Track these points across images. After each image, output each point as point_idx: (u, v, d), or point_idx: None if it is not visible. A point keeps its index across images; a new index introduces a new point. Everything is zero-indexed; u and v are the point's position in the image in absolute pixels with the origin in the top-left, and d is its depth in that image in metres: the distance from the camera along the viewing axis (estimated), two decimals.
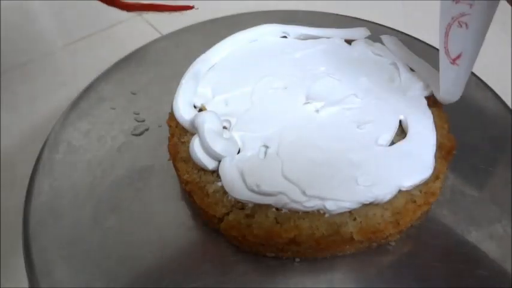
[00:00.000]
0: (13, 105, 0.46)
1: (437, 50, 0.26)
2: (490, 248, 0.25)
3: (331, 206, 0.23)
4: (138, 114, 0.32)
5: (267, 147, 0.26)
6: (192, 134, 0.26)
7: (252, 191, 0.24)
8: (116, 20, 0.57)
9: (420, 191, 0.25)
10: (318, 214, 0.24)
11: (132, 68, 0.36)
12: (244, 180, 0.24)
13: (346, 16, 0.41)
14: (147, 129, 0.31)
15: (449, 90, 0.27)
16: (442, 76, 0.27)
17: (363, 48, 0.32)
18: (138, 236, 0.25)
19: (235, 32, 0.33)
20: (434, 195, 0.25)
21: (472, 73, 0.26)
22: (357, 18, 0.40)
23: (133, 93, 0.34)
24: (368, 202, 0.24)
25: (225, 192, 0.24)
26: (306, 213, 0.24)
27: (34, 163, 0.29)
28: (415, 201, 0.24)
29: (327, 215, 0.24)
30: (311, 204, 0.23)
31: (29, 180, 0.28)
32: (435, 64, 0.27)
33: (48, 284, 0.24)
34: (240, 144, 0.26)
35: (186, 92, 0.29)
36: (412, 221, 0.24)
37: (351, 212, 0.24)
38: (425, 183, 0.25)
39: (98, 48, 0.53)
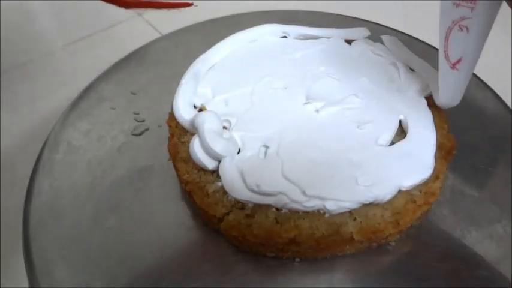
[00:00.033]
0: (13, 105, 0.46)
1: (437, 50, 0.26)
2: (490, 248, 0.25)
3: (331, 206, 0.23)
4: (138, 114, 0.32)
5: (267, 147, 0.26)
6: (192, 134, 0.26)
7: (252, 191, 0.24)
8: (116, 20, 0.57)
9: (420, 191, 0.25)
10: (318, 214, 0.24)
11: (132, 68, 0.36)
12: (244, 180, 0.24)
13: (346, 16, 0.41)
14: (147, 129, 0.31)
15: (449, 95, 0.27)
16: (442, 81, 0.27)
17: (363, 48, 0.32)
18: (138, 236, 0.25)
19: (235, 32, 0.33)
20: (434, 195, 0.25)
21: (472, 73, 0.26)
22: (357, 18, 0.40)
23: (133, 93, 0.34)
24: (368, 202, 0.24)
25: (225, 192, 0.24)
26: (306, 213, 0.24)
27: (34, 163, 0.29)
28: (415, 201, 0.24)
29: (327, 215, 0.24)
30: (311, 204, 0.23)
31: (29, 180, 0.28)
32: (435, 64, 0.27)
33: (48, 284, 0.24)
34: (240, 144, 0.26)
35: (186, 92, 0.29)
36: (412, 221, 0.24)
37: (351, 212, 0.24)
38: (425, 183, 0.25)
39: (98, 48, 0.53)
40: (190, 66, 0.31)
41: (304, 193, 0.23)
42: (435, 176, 0.25)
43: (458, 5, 0.23)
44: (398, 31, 0.39)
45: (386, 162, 0.25)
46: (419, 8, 0.54)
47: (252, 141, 0.26)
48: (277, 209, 0.24)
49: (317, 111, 0.28)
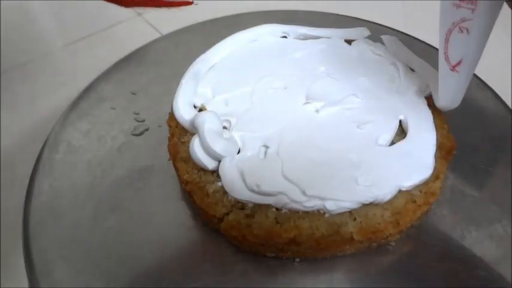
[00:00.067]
0: (13, 105, 0.46)
1: (437, 50, 0.26)
2: (489, 248, 0.25)
3: (331, 206, 0.23)
4: (138, 114, 0.32)
5: (267, 147, 0.26)
6: (192, 134, 0.26)
7: (252, 191, 0.24)
8: (116, 20, 0.57)
9: (420, 191, 0.25)
10: (318, 214, 0.24)
11: (132, 68, 0.36)
12: (244, 180, 0.24)
13: (346, 16, 0.41)
14: (147, 129, 0.31)
15: (449, 97, 0.27)
16: (442, 83, 0.26)
17: (363, 48, 0.32)
18: (138, 236, 0.25)
19: (235, 32, 0.33)
20: (434, 195, 0.25)
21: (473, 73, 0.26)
22: (357, 18, 0.40)
23: (133, 93, 0.34)
24: (368, 202, 0.24)
25: (225, 192, 0.24)
26: (306, 213, 0.24)
27: (34, 163, 0.29)
28: (415, 201, 0.24)
29: (327, 215, 0.24)
30: (311, 204, 0.23)
31: (29, 180, 0.28)
32: (435, 64, 0.27)
33: (48, 284, 0.24)
34: (240, 144, 0.26)
35: (186, 92, 0.29)
36: (412, 221, 0.24)
37: (351, 212, 0.24)
38: (425, 183, 0.25)
39: (98, 48, 0.53)
40: (190, 66, 0.31)
41: (304, 193, 0.23)
42: (435, 176, 0.25)
43: (458, 7, 0.23)
44: (398, 31, 0.39)
45: (386, 162, 0.25)
46: (419, 8, 0.55)
47: (252, 141, 0.26)
48: (277, 209, 0.24)
49: (317, 111, 0.28)
